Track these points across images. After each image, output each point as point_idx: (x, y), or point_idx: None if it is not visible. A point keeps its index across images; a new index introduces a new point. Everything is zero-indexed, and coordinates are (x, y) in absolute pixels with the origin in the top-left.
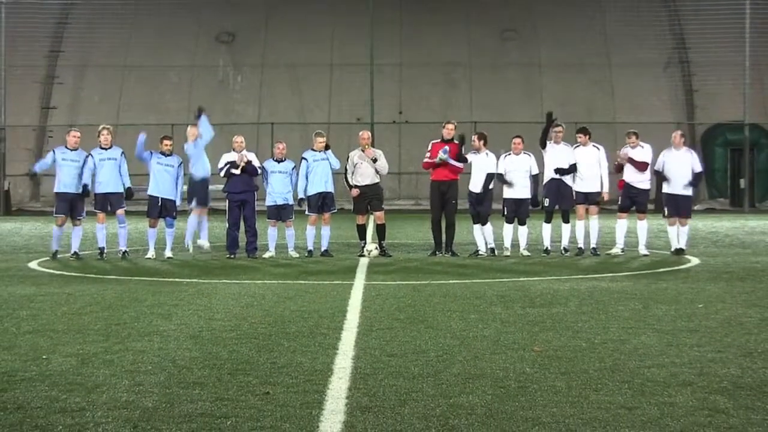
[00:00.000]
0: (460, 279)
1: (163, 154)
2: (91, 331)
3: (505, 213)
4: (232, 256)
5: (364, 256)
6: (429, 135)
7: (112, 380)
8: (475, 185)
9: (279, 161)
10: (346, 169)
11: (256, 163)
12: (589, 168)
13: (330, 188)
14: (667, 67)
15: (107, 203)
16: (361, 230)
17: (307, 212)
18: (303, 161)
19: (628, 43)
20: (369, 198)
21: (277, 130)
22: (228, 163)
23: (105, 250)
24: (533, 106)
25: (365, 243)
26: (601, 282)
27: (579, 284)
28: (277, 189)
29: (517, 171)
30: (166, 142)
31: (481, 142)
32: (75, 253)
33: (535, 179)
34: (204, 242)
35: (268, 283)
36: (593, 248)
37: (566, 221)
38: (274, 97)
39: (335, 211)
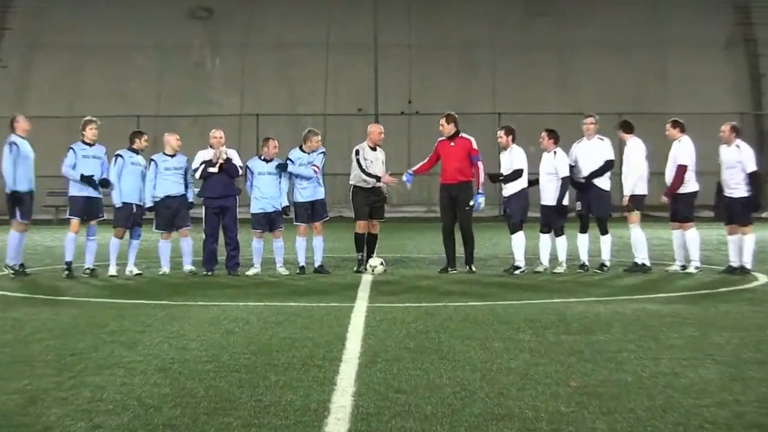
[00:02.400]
0: (482, 300)
1: (134, 151)
2: (41, 363)
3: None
4: (210, 272)
5: (364, 272)
6: None
7: (65, 422)
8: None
9: (267, 161)
10: (359, 165)
11: (237, 161)
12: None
13: (321, 195)
14: (729, 47)
15: (84, 210)
16: (360, 241)
17: (295, 222)
18: (288, 163)
19: (681, 19)
20: (374, 202)
21: (263, 123)
22: (204, 162)
23: (71, 266)
24: (567, 94)
25: (362, 256)
26: (650, 304)
27: (623, 306)
28: (266, 193)
29: (546, 172)
30: (143, 137)
31: (509, 138)
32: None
33: (564, 182)
34: (188, 267)
35: (253, 305)
36: (640, 263)
37: (604, 232)
38: (259, 84)
39: (328, 218)
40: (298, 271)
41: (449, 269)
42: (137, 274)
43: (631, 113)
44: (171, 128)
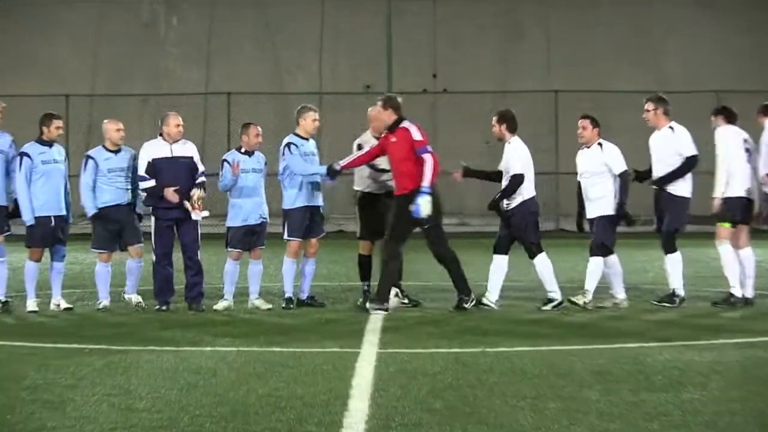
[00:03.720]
0: (531, 344)
1: (45, 144)
2: None
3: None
4: (165, 307)
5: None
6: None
7: None
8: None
9: (250, 154)
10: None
11: (199, 162)
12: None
13: (320, 200)
14: None
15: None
16: (366, 265)
17: (286, 237)
18: (289, 149)
19: None
20: (384, 213)
21: (237, 104)
22: (156, 162)
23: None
24: (644, 65)
25: (368, 286)
26: (761, 350)
27: (723, 353)
28: (250, 199)
29: (586, 173)
30: (56, 123)
31: (503, 127)
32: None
33: (623, 183)
34: (132, 296)
35: (223, 350)
36: (737, 295)
37: (670, 250)
38: (231, 53)
39: (324, 234)
40: (283, 305)
41: (463, 301)
42: (66, 309)
43: (732, 90)
44: (112, 112)
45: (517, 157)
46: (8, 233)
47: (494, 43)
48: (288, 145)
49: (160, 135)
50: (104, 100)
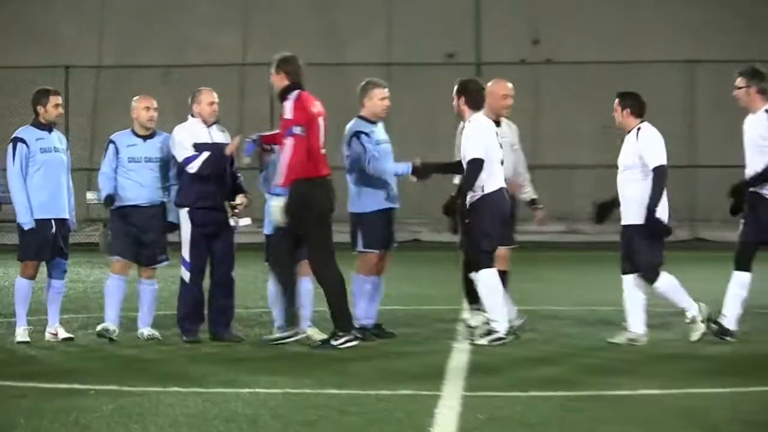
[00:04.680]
0: (661, 385)
1: (42, 127)
2: None
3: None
4: (191, 337)
5: (465, 338)
6: (590, 86)
7: None
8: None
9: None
10: None
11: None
12: None
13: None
14: None
15: None
16: (471, 283)
17: (360, 248)
18: (359, 140)
19: None
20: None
21: None
22: (199, 148)
23: None
24: None
25: (476, 310)
26: None
27: None
28: None
29: (621, 166)
30: (53, 100)
31: (461, 100)
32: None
33: (655, 180)
34: (144, 329)
35: (264, 393)
36: None
37: (743, 268)
38: (274, 14)
39: (397, 245)
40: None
41: (336, 336)
42: (66, 339)
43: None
44: (124, 86)
45: (475, 138)
46: None
47: (611, 1)
48: (357, 134)
49: (191, 116)
50: (114, 74)
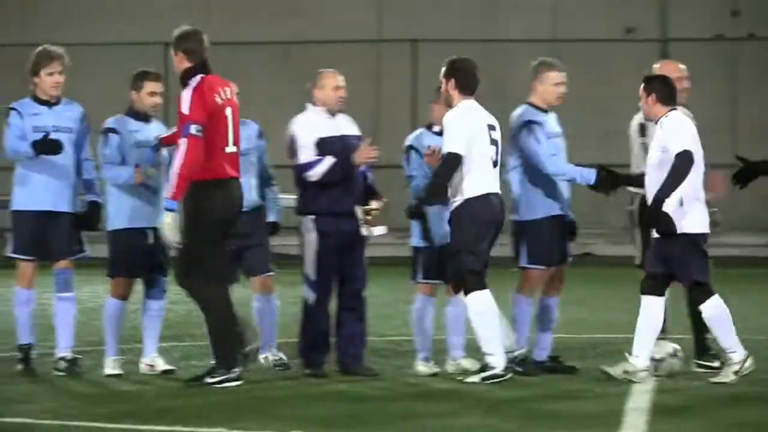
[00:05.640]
0: None
1: (138, 117)
2: None
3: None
4: (318, 371)
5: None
6: None
7: None
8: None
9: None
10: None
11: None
12: None
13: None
14: None
15: (35, 239)
16: None
17: (524, 263)
18: (528, 131)
19: None
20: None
21: (425, 55)
22: (323, 144)
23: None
24: None
25: (659, 341)
26: None
27: None
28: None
29: (652, 162)
30: (149, 87)
31: (450, 83)
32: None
33: (674, 168)
34: (269, 354)
35: None
36: None
37: None
38: None
39: (570, 260)
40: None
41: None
42: (165, 371)
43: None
44: (234, 70)
45: (455, 128)
46: (82, 255)
47: None
48: (528, 124)
49: (312, 104)
50: (221, 51)
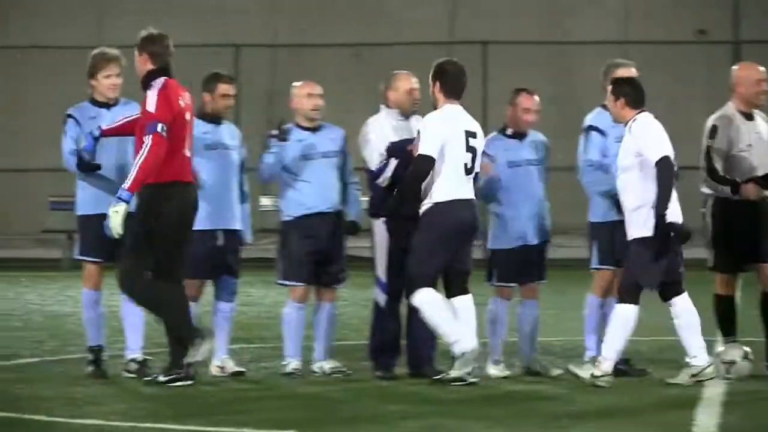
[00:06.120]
0: None
1: (209, 119)
2: None
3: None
4: (388, 374)
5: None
6: None
7: None
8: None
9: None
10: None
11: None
12: None
13: None
14: None
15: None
16: (727, 311)
17: (596, 264)
18: (587, 136)
19: None
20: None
21: (494, 57)
22: (396, 147)
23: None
24: None
25: (730, 345)
26: None
27: None
28: (526, 204)
29: (623, 167)
30: (222, 89)
31: (436, 85)
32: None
33: (660, 178)
34: (322, 362)
35: None
36: None
37: None
38: None
39: None
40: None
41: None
42: (235, 373)
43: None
44: (305, 72)
45: (430, 131)
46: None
47: None
48: (587, 129)
49: (385, 106)
50: (292, 52)
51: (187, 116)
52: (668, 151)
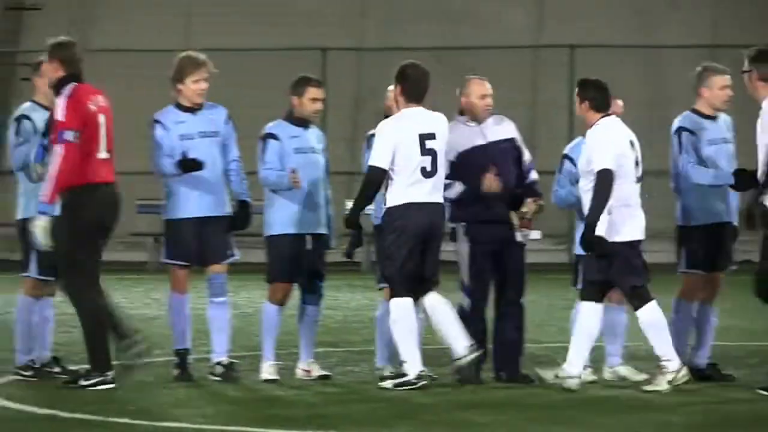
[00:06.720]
0: None
1: (296, 123)
2: None
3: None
4: (472, 378)
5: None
6: None
7: None
8: None
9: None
10: None
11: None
12: None
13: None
14: None
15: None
16: None
17: (682, 268)
18: (679, 139)
19: None
20: None
21: (582, 61)
22: (467, 155)
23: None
24: None
25: None
26: None
27: None
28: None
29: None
30: (311, 93)
31: (398, 88)
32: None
33: (597, 187)
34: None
35: None
36: None
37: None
38: None
39: (735, 268)
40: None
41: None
42: (321, 377)
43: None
44: (392, 76)
45: (382, 138)
46: (233, 259)
47: None
48: (678, 131)
49: (460, 113)
50: (378, 57)
51: (101, 119)
52: (610, 164)
